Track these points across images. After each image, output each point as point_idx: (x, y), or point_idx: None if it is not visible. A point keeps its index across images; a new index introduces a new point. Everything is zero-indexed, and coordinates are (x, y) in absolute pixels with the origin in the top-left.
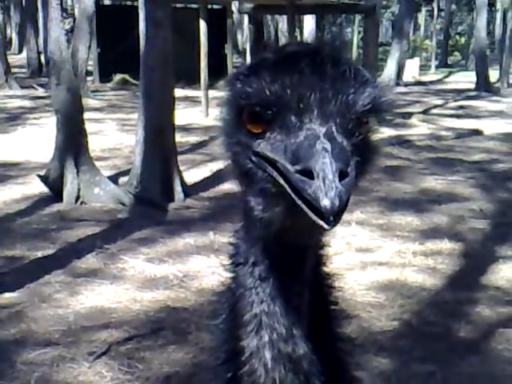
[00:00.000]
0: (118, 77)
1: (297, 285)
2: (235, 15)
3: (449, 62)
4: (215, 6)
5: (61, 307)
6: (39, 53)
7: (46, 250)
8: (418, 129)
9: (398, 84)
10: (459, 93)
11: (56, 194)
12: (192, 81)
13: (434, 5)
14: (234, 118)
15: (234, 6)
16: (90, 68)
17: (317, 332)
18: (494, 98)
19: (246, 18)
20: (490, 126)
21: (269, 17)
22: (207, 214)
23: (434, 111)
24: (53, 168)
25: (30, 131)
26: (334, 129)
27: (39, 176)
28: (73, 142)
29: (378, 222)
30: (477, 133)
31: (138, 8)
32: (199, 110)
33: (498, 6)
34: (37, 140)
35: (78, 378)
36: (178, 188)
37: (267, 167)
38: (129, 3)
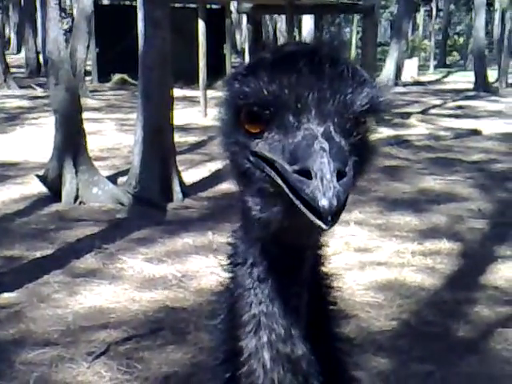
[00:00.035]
0: (116, 77)
1: (295, 285)
2: (234, 15)
3: (447, 62)
4: (214, 6)
5: (59, 307)
6: (38, 53)
7: (45, 250)
8: (417, 129)
9: (396, 84)
10: (458, 93)
11: (55, 193)
12: (190, 81)
13: (433, 5)
14: (232, 118)
15: (233, 6)
16: (88, 68)
17: (315, 332)
18: (493, 97)
19: (244, 18)
20: (488, 126)
21: (267, 17)
22: (206, 214)
23: (433, 111)
24: (51, 168)
25: (28, 131)
26: (331, 128)
27: (38, 176)
28: (71, 142)
29: (376, 222)
30: (475, 133)
31: (137, 8)
32: (198, 110)
33: (497, 5)
34: (35, 140)
35: (76, 378)
36: (176, 188)
37: (265, 167)
38: (127, 3)
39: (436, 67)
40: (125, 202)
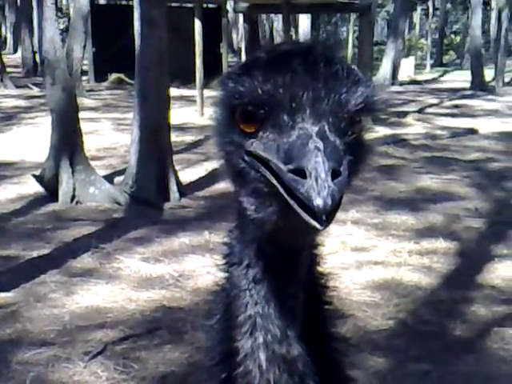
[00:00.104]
0: (113, 76)
1: (291, 286)
2: (230, 14)
3: (444, 61)
4: (210, 5)
5: (56, 307)
6: (34, 52)
7: (42, 249)
8: (414, 128)
9: (393, 83)
10: (454, 92)
11: (51, 193)
12: (187, 80)
13: (429, 4)
14: (227, 118)
15: (229, 5)
16: (85, 67)
17: (311, 332)
18: (489, 96)
19: (241, 17)
20: (485, 125)
21: (264, 16)
22: (202, 214)
23: (430, 110)
24: (48, 167)
25: (25, 131)
26: (326, 128)
27: (34, 176)
28: (68, 142)
29: (373, 221)
30: (472, 132)
31: (133, 7)
32: (194, 110)
33: (493, 4)
34: (32, 139)
35: (73, 378)
36: (173, 187)
37: (260, 167)
38: (124, 2)
39: (433, 66)
40: (121, 202)
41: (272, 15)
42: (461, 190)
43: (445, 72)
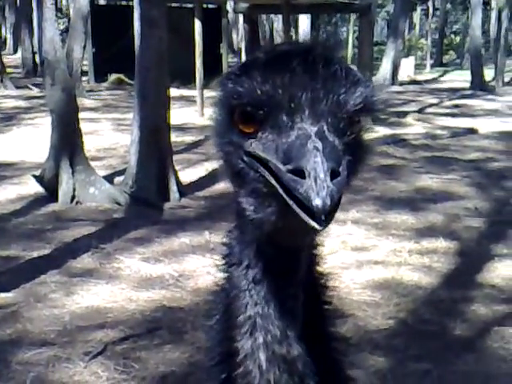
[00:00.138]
0: (113, 76)
1: (291, 287)
2: (230, 15)
3: (444, 61)
4: (210, 6)
5: (56, 307)
6: (34, 53)
7: (42, 249)
8: (414, 128)
9: (393, 83)
10: (454, 92)
11: (51, 193)
12: (187, 80)
13: (429, 4)
14: (226, 118)
15: (229, 6)
16: (85, 68)
17: (311, 332)
18: (489, 96)
19: (241, 18)
20: (485, 125)
21: (264, 16)
22: (203, 214)
23: (430, 110)
24: (48, 168)
25: (25, 131)
26: (325, 128)
27: (34, 176)
28: (68, 142)
29: (373, 221)
30: (472, 131)
31: (133, 7)
32: (194, 110)
33: (493, 4)
34: (32, 140)
35: (73, 378)
36: (173, 187)
37: (259, 167)
38: (124, 3)
39: (432, 66)
40: (121, 202)
41: (272, 15)
42: (461, 190)
43: (445, 72)
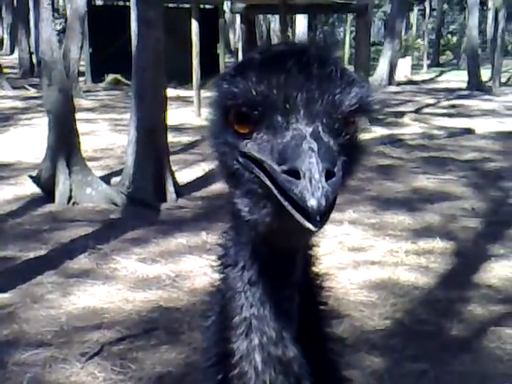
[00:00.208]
0: (110, 77)
1: (286, 289)
2: (227, 15)
3: (441, 61)
4: (207, 6)
5: (53, 308)
6: (31, 53)
7: (38, 250)
8: (410, 128)
9: (390, 83)
10: (451, 92)
11: (48, 194)
12: (184, 80)
13: (426, 4)
14: (221, 119)
15: (226, 6)
16: (82, 68)
17: (306, 333)
18: (486, 96)
19: (238, 18)
20: (481, 125)
21: (261, 16)
22: (200, 214)
23: (426, 110)
24: (45, 168)
25: (21, 132)
26: (320, 129)
27: (31, 177)
28: (65, 143)
29: (370, 221)
30: (469, 132)
31: (130, 8)
32: (191, 110)
33: (490, 5)
34: (28, 140)
35: (70, 379)
36: (170, 188)
37: (254, 168)
38: (121, 3)
39: (429, 66)
40: (118, 203)
41: (269, 16)
42: (457, 190)
43: (441, 72)
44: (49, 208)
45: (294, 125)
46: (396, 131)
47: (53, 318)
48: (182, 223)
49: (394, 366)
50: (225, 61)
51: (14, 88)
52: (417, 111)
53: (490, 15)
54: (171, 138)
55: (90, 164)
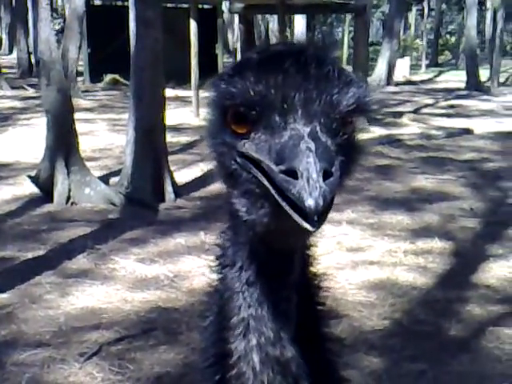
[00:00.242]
0: (108, 77)
1: (284, 289)
2: (226, 15)
3: (439, 62)
4: (206, 6)
5: (51, 308)
6: (29, 53)
7: (37, 250)
8: (409, 128)
9: (388, 83)
10: (450, 92)
11: (46, 194)
12: (182, 81)
13: (425, 4)
14: (219, 119)
15: (225, 6)
16: (80, 68)
17: (304, 333)
18: (485, 97)
19: (236, 18)
20: (480, 125)
21: (259, 16)
22: (198, 214)
23: (425, 110)
24: (43, 168)
25: (20, 132)
26: (318, 129)
27: (29, 177)
28: (63, 143)
29: (368, 222)
30: (467, 132)
31: (129, 8)
32: (190, 110)
33: (488, 5)
34: (27, 140)
35: (68, 379)
36: (168, 188)
37: (251, 168)
38: (119, 3)
39: (428, 66)
40: (117, 203)
41: (267, 16)
42: (456, 190)
43: (440, 72)
44: (47, 208)
45: (292, 125)
46: (394, 131)
47: (51, 319)
48: (180, 223)
49: (393, 366)
50: (223, 61)
51: (13, 88)
52: (415, 111)
53: (489, 15)
54: (169, 138)
55: (88, 164)
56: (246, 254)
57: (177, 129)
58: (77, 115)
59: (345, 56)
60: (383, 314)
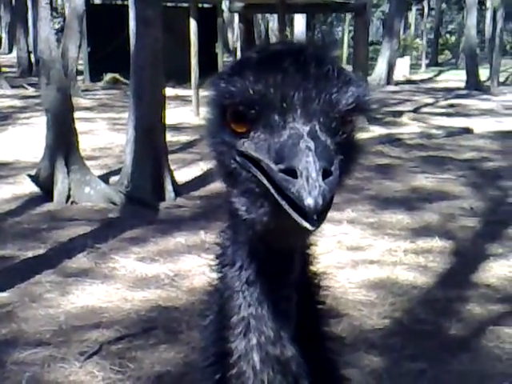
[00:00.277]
0: (108, 76)
1: (284, 288)
2: (226, 14)
3: (439, 61)
4: (205, 5)
5: (51, 307)
6: (29, 52)
7: (37, 249)
8: (409, 127)
9: (388, 83)
10: (449, 91)
11: (46, 193)
12: (182, 80)
13: (425, 3)
14: (218, 118)
15: (225, 5)
16: (80, 67)
17: (304, 332)
18: (484, 96)
19: (236, 17)
20: (480, 125)
21: (259, 16)
22: (198, 213)
23: (425, 110)
24: (43, 167)
25: (20, 131)
26: (317, 128)
27: (29, 176)
28: (63, 142)
29: (368, 221)
30: (467, 131)
31: (129, 7)
32: (190, 109)
33: (488, 4)
34: (27, 139)
35: (69, 378)
36: (168, 187)
37: (251, 167)
38: (119, 2)
39: (428, 66)
40: (117, 202)
41: (267, 15)
42: (456, 190)
43: (440, 72)
44: (47, 207)
45: (291, 124)
46: (394, 130)
47: (51, 317)
48: (180, 222)
49: (393, 365)
50: (223, 60)
51: (13, 87)
52: (415, 111)
53: (489, 15)
54: (169, 137)
55: (88, 163)
56: (246, 253)
57: (177, 128)
58: (77, 114)
59: (345, 55)
60: (383, 313)
